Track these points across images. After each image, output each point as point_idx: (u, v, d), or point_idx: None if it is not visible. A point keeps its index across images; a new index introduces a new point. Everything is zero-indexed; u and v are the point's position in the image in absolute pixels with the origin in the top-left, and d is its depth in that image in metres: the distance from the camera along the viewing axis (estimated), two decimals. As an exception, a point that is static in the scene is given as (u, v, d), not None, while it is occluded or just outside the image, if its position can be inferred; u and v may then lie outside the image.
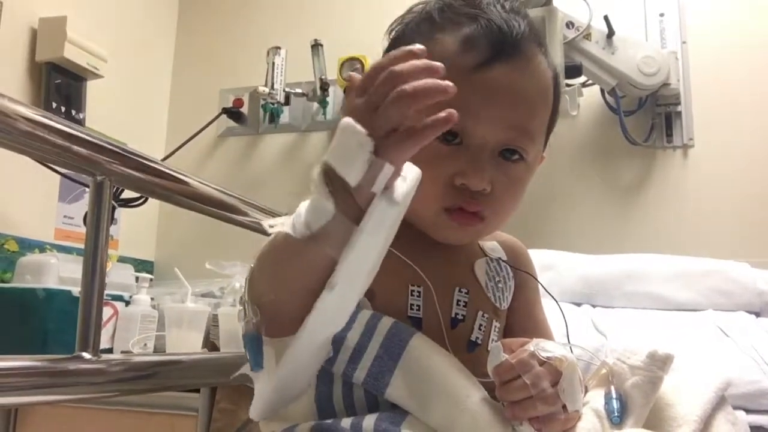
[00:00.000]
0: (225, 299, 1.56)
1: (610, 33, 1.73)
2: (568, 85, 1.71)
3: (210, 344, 1.44)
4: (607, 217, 1.87)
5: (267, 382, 0.58)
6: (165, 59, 2.38)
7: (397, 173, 0.46)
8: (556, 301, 0.77)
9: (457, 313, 0.67)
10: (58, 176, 1.75)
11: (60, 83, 1.83)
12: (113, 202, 0.92)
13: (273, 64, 2.07)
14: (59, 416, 1.51)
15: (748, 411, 1.05)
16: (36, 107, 0.78)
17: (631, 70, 1.72)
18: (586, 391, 0.65)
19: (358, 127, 0.44)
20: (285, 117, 2.15)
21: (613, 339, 1.20)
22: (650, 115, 1.87)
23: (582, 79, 1.79)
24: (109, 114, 2.01)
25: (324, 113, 2.15)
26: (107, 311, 1.48)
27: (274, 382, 0.57)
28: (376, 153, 0.44)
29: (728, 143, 1.80)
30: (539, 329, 0.75)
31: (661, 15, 1.91)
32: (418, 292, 0.66)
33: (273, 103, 2.07)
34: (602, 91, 1.85)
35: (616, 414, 0.60)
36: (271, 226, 0.55)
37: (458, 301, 0.68)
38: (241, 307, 0.61)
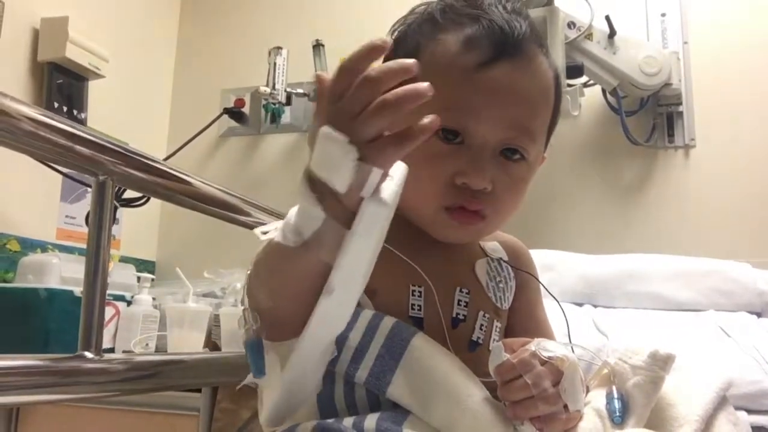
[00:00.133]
0: (226, 299, 1.57)
1: (612, 33, 1.73)
2: (569, 85, 1.71)
3: (211, 344, 1.44)
4: (608, 217, 1.87)
5: (274, 389, 0.58)
6: (166, 59, 2.38)
7: (384, 176, 0.46)
8: (558, 302, 0.77)
9: (458, 313, 0.67)
10: (60, 176, 1.75)
11: (62, 83, 1.83)
12: (115, 201, 0.92)
13: (274, 64, 2.07)
14: (61, 416, 1.51)
15: (749, 411, 1.05)
16: (38, 107, 0.78)
17: (633, 71, 1.72)
18: (588, 390, 0.65)
19: (340, 136, 0.43)
20: (286, 117, 2.15)
21: (615, 339, 1.20)
22: (652, 115, 1.87)
23: (583, 79, 1.79)
24: (111, 114, 2.01)
25: (325, 113, 2.15)
26: (109, 311, 1.48)
27: (281, 387, 0.56)
28: (362, 158, 0.44)
29: (730, 143, 1.80)
30: (540, 329, 0.75)
31: (663, 15, 1.91)
32: (419, 292, 0.66)
33: (274, 103, 2.07)
34: (604, 91, 1.85)
35: (617, 414, 0.60)
36: (264, 233, 0.55)
37: (459, 301, 0.68)
38: (241, 315, 0.61)
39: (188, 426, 1.43)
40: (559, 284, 1.47)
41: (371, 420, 0.54)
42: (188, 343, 1.35)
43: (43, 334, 1.38)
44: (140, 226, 2.13)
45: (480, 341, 0.68)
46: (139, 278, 1.59)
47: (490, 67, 0.63)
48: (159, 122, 2.33)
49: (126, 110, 2.12)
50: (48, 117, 0.76)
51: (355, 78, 0.44)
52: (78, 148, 0.80)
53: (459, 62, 0.63)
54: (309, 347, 0.53)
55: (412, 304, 0.65)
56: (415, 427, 0.55)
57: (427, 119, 0.45)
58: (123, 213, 1.98)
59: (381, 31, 0.73)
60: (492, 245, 0.75)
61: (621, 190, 1.88)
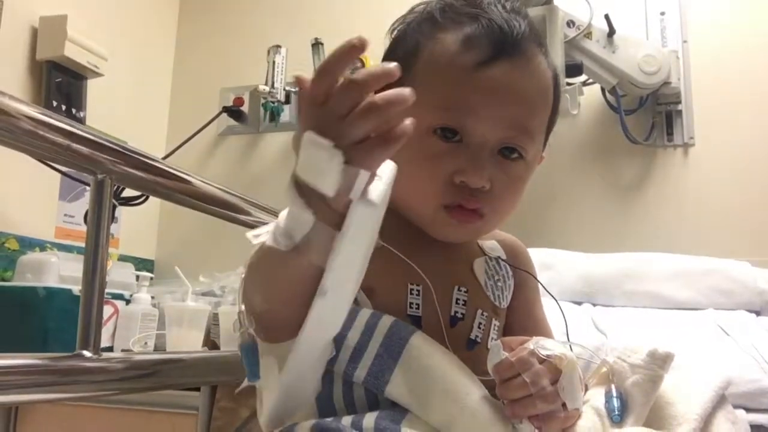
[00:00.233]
0: (225, 298, 1.57)
1: (611, 32, 1.73)
2: (568, 84, 1.71)
3: (210, 343, 1.44)
4: (607, 216, 1.87)
5: (272, 391, 0.58)
6: (165, 58, 2.38)
7: (372, 177, 0.46)
8: (556, 300, 0.77)
9: (456, 312, 0.67)
10: (58, 175, 1.75)
11: (60, 82, 1.83)
12: (114, 200, 0.92)
13: (273, 62, 2.07)
14: (60, 414, 1.51)
15: (748, 410, 1.05)
16: (37, 105, 0.78)
17: (632, 69, 1.72)
18: (587, 389, 0.65)
19: (325, 141, 0.43)
20: (285, 115, 2.15)
21: (614, 337, 1.20)
22: (651, 114, 1.87)
23: (582, 77, 1.79)
24: (110, 112, 2.01)
25: (324, 112, 2.15)
26: (108, 310, 1.48)
27: (279, 389, 0.56)
28: (348, 161, 0.43)
29: (729, 142, 1.80)
30: (539, 328, 0.75)
31: (662, 14, 1.91)
32: (418, 290, 0.66)
33: (273, 102, 2.07)
34: (603, 89, 1.85)
35: (616, 412, 0.60)
36: (256, 236, 0.55)
37: (457, 299, 0.68)
38: (236, 318, 0.61)
39: (187, 425, 1.43)
40: (558, 283, 1.47)
41: (370, 419, 0.54)
42: (187, 342, 1.35)
43: (42, 333, 1.38)
44: (139, 225, 2.13)
45: (478, 340, 0.68)
46: (137, 277, 1.59)
47: (489, 66, 0.63)
48: (158, 121, 2.33)
49: (125, 109, 2.12)
50: (47, 116, 0.76)
51: (335, 79, 0.44)
52: (77, 146, 0.80)
53: (458, 61, 0.63)
54: (305, 349, 0.53)
55: (411, 303, 0.65)
56: (414, 426, 0.55)
57: (407, 121, 0.44)
58: (122, 212, 1.98)
59: (380, 30, 0.73)
60: (490, 244, 0.75)
61: (620, 189, 1.88)
